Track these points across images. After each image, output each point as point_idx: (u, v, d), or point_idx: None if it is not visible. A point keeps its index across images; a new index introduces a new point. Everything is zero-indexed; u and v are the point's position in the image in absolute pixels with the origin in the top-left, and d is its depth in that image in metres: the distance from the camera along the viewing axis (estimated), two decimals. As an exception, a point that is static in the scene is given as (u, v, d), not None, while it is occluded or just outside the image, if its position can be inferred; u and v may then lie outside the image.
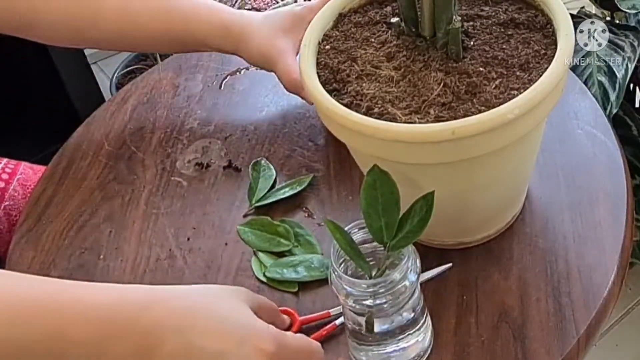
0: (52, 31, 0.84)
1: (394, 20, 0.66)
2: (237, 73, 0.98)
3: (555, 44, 0.61)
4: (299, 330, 0.67)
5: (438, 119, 0.58)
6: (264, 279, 0.73)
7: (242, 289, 0.61)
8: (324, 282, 0.71)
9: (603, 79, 1.16)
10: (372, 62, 0.64)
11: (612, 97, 1.15)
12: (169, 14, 0.83)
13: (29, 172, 0.99)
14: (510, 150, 0.61)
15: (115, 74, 1.88)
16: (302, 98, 0.83)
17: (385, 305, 0.58)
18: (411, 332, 0.62)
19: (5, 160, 0.99)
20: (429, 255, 0.70)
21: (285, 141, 0.87)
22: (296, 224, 0.76)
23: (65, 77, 1.76)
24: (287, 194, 0.80)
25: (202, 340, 0.53)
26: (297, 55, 0.79)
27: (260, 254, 0.75)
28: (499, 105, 0.56)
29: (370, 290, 0.57)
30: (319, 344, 0.61)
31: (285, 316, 0.66)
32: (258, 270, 0.73)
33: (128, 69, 1.88)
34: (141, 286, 0.57)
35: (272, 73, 0.85)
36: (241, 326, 0.55)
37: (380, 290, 0.57)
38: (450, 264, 0.70)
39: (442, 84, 0.61)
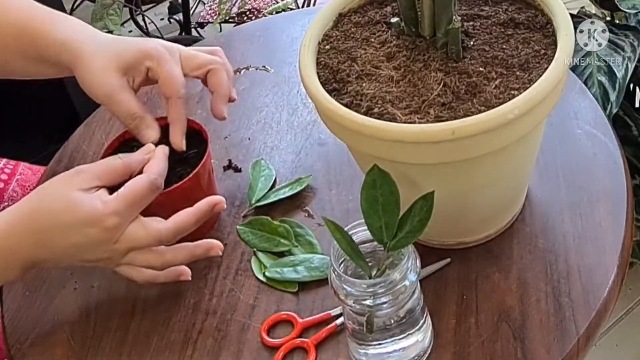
0: None
1: (394, 20, 0.66)
2: (237, 73, 0.98)
3: (555, 44, 0.61)
4: (300, 334, 0.68)
5: (438, 119, 0.58)
6: (263, 279, 0.73)
7: (73, 175, 0.67)
8: (324, 282, 0.71)
9: (603, 79, 1.16)
10: (372, 62, 0.64)
11: (612, 97, 1.15)
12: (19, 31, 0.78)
13: (28, 173, 0.99)
14: (510, 150, 0.61)
15: (115, 74, 1.87)
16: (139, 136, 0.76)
17: (385, 305, 0.58)
18: (411, 332, 0.62)
19: (4, 160, 0.99)
20: (429, 255, 0.70)
21: (286, 141, 0.87)
22: (296, 224, 0.76)
23: (66, 77, 1.76)
24: (287, 194, 0.80)
25: (60, 244, 0.65)
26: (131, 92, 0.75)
27: (260, 254, 0.75)
28: (499, 105, 0.56)
29: (370, 290, 0.57)
30: (146, 178, 0.67)
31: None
32: (258, 270, 0.73)
33: (128, 69, 1.88)
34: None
35: (270, 73, 0.85)
36: (75, 219, 0.64)
37: (380, 290, 0.57)
38: (449, 259, 0.70)
39: (442, 84, 0.61)
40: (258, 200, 0.80)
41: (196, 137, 0.77)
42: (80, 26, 0.78)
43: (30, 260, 0.66)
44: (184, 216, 0.68)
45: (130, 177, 0.68)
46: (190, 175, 0.72)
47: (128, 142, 0.77)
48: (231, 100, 0.79)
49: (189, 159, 0.75)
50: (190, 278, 0.70)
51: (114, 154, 0.74)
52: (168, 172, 0.73)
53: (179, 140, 0.74)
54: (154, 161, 0.69)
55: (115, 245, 0.65)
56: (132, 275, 0.68)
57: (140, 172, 0.68)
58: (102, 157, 0.74)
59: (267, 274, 0.73)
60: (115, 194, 0.65)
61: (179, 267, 0.70)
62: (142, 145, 0.73)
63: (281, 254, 0.74)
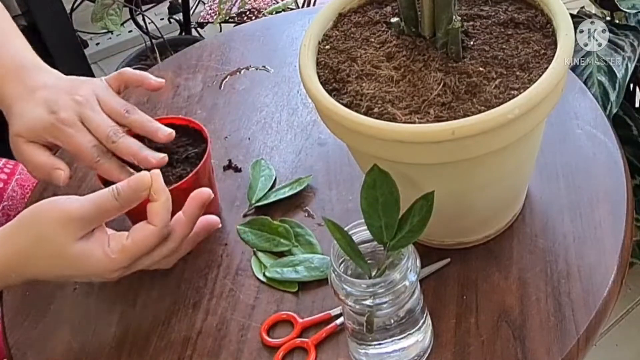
0: None
1: (394, 20, 0.66)
2: (237, 73, 0.98)
3: (555, 44, 0.61)
4: (300, 334, 0.68)
5: (438, 119, 0.58)
6: (264, 279, 0.73)
7: (65, 223, 0.62)
8: (324, 282, 0.71)
9: (603, 79, 1.16)
10: (372, 62, 0.64)
11: (612, 97, 1.15)
12: None
13: (27, 173, 0.99)
14: (510, 150, 0.61)
15: (115, 74, 1.88)
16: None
17: (385, 305, 0.58)
18: (411, 332, 0.62)
19: (3, 160, 0.99)
20: (429, 255, 0.70)
21: (286, 141, 0.87)
22: (296, 224, 0.76)
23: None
24: (287, 194, 0.80)
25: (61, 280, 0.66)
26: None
27: (260, 254, 0.75)
28: (499, 105, 0.56)
29: (370, 290, 0.57)
30: (155, 232, 0.63)
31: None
32: (258, 270, 0.73)
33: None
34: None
35: (270, 73, 0.85)
36: (79, 273, 0.63)
37: (380, 290, 0.57)
38: (449, 259, 0.70)
39: (442, 84, 0.61)
40: (258, 200, 0.80)
41: (196, 137, 0.77)
42: (18, 65, 0.77)
43: (19, 282, 0.66)
44: (180, 227, 0.65)
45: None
46: (190, 175, 0.72)
47: None
48: (160, 84, 0.78)
49: (189, 159, 0.75)
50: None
51: (114, 155, 0.74)
52: (168, 172, 0.73)
53: (162, 133, 0.73)
54: (158, 206, 0.63)
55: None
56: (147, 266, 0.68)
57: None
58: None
59: (267, 274, 0.73)
60: (120, 245, 0.62)
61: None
62: (151, 145, 0.74)
63: (281, 254, 0.74)
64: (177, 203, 0.68)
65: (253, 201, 0.80)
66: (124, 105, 0.75)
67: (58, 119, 0.73)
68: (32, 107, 0.74)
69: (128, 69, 0.79)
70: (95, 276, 0.64)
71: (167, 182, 0.70)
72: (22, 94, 0.75)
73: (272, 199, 0.80)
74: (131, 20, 1.97)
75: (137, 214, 0.65)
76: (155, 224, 0.63)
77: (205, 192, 0.65)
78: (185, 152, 0.75)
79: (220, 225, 0.69)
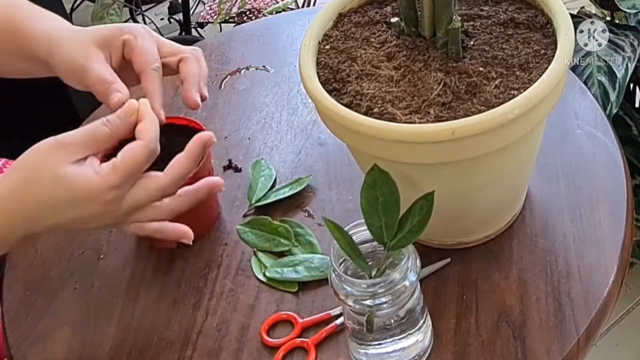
0: None
1: (394, 20, 0.66)
2: (237, 73, 0.98)
3: (555, 44, 0.61)
4: (300, 334, 0.68)
5: (438, 119, 0.58)
6: (264, 279, 0.73)
7: (57, 148, 0.63)
8: (324, 282, 0.71)
9: (603, 79, 1.16)
10: (372, 62, 0.64)
11: (612, 97, 1.15)
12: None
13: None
14: (510, 150, 0.61)
15: (115, 74, 1.88)
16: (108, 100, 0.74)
17: (385, 305, 0.58)
18: (411, 332, 0.62)
19: (4, 160, 0.99)
20: (429, 255, 0.70)
21: (286, 141, 0.87)
22: (296, 224, 0.76)
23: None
24: (287, 194, 0.80)
25: (56, 220, 0.63)
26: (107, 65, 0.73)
27: (260, 254, 0.75)
28: (499, 105, 0.56)
29: (370, 290, 0.57)
30: (143, 146, 0.63)
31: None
32: (258, 270, 0.73)
33: (128, 69, 1.88)
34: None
35: (270, 73, 0.85)
36: (71, 197, 0.62)
37: (380, 290, 0.57)
38: (449, 259, 0.70)
39: (442, 84, 0.61)
40: (258, 200, 0.80)
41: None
42: (60, 20, 0.77)
43: (24, 233, 0.64)
44: (179, 163, 0.66)
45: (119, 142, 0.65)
46: (190, 175, 0.71)
47: (128, 142, 0.77)
48: (203, 98, 0.77)
49: None
50: (191, 243, 0.67)
51: (114, 154, 0.74)
52: None
53: (158, 111, 0.71)
54: (145, 124, 0.65)
55: (117, 212, 0.64)
56: (141, 231, 0.67)
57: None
58: (101, 159, 0.74)
59: (267, 273, 0.73)
60: (111, 164, 0.62)
61: (183, 227, 0.67)
62: None
63: (281, 254, 0.74)
64: None
65: (253, 201, 0.80)
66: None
67: (128, 24, 0.73)
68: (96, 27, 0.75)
69: (194, 53, 0.77)
70: (90, 201, 0.62)
71: None
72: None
73: (272, 199, 0.80)
74: (131, 20, 1.97)
75: None
76: (142, 138, 0.63)
77: (207, 133, 0.66)
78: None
79: (223, 189, 0.68)
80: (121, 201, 0.63)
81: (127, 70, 0.74)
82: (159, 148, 0.65)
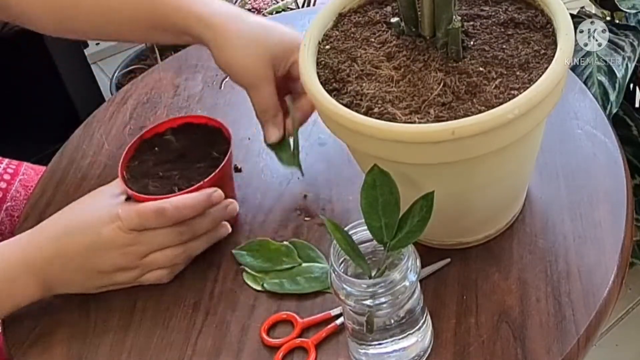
0: (39, 22, 0.84)
1: (394, 20, 0.66)
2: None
3: (555, 44, 0.61)
4: (300, 334, 0.68)
5: (438, 119, 0.58)
6: (261, 289, 0.72)
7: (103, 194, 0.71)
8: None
9: (603, 79, 1.16)
10: (372, 62, 0.64)
11: (612, 97, 1.15)
12: (149, 2, 0.81)
13: (30, 173, 0.99)
14: (510, 150, 0.61)
15: (115, 74, 1.88)
16: (264, 130, 0.79)
17: (385, 305, 0.58)
18: (411, 332, 0.62)
19: (6, 161, 0.99)
20: (429, 255, 0.70)
21: (285, 141, 0.87)
22: (300, 243, 0.74)
23: (65, 77, 1.76)
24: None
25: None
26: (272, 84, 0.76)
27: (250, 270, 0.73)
28: (499, 105, 0.56)
29: (370, 290, 0.57)
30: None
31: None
32: (253, 283, 0.72)
33: (128, 69, 1.89)
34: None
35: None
36: (91, 222, 0.68)
37: (380, 290, 0.57)
38: (449, 259, 0.70)
39: (442, 84, 0.61)
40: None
41: (216, 135, 0.76)
42: (222, 2, 0.78)
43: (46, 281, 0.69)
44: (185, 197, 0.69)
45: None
46: (217, 171, 0.71)
47: (147, 142, 0.77)
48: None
49: (211, 156, 0.74)
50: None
51: (135, 155, 0.75)
52: (191, 171, 0.73)
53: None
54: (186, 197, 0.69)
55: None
56: (161, 277, 0.71)
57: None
58: (124, 159, 0.74)
59: (266, 285, 0.71)
60: (134, 207, 0.67)
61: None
62: (163, 145, 0.75)
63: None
64: None
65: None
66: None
67: (299, 41, 0.71)
68: (265, 25, 0.76)
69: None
70: (103, 225, 0.67)
71: (192, 180, 0.71)
72: (244, 15, 0.77)
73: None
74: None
75: None
76: (173, 203, 0.68)
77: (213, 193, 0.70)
78: (206, 150, 0.75)
79: (236, 211, 0.73)
80: (141, 252, 0.69)
81: (285, 80, 0.76)
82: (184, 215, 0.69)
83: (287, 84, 0.77)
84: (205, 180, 0.70)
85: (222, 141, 0.76)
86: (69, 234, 0.68)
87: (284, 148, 0.79)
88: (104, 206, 0.69)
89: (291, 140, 0.79)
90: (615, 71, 1.16)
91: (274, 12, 1.70)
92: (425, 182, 0.61)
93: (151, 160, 0.75)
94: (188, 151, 0.75)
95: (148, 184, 0.72)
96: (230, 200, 0.72)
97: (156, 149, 0.75)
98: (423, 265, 0.62)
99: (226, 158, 0.72)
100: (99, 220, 0.68)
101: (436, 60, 0.63)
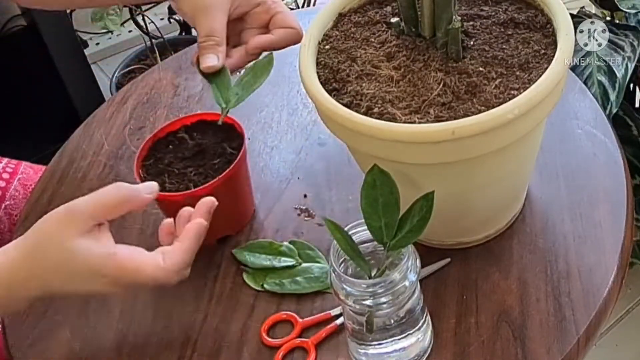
0: None
1: (394, 20, 0.66)
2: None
3: (555, 44, 0.61)
4: (300, 334, 0.68)
5: (438, 119, 0.58)
6: (261, 289, 0.72)
7: (67, 218, 0.63)
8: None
9: (603, 79, 1.16)
10: (372, 62, 0.64)
11: (612, 97, 1.15)
12: None
13: (29, 172, 0.99)
14: (510, 150, 0.61)
15: (115, 74, 1.88)
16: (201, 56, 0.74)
17: (385, 305, 0.58)
18: (411, 332, 0.62)
19: (5, 160, 0.99)
20: (429, 255, 0.70)
21: (286, 141, 0.87)
22: (299, 243, 0.74)
23: (65, 77, 1.76)
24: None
25: (69, 288, 0.62)
26: (225, 15, 0.72)
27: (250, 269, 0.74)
28: (499, 105, 0.56)
29: (370, 290, 0.57)
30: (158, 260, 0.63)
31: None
32: (253, 283, 0.72)
33: (128, 69, 1.89)
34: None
35: (271, 73, 0.84)
36: (80, 271, 0.61)
37: (380, 290, 0.57)
38: (449, 259, 0.70)
39: (442, 84, 0.61)
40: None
41: (230, 131, 0.76)
42: None
43: (37, 297, 0.64)
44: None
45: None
46: (232, 167, 0.71)
47: (161, 140, 0.77)
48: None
49: (226, 152, 0.74)
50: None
51: (149, 154, 0.75)
52: (207, 167, 0.73)
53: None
54: (191, 242, 0.65)
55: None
56: (185, 276, 0.66)
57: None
58: (139, 157, 0.74)
59: (266, 286, 0.72)
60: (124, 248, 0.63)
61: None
62: (177, 143, 0.74)
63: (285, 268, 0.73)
64: (218, 195, 0.67)
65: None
66: None
67: None
68: None
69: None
70: (94, 276, 0.61)
71: (208, 176, 0.71)
72: None
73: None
74: (131, 20, 1.97)
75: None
76: (181, 246, 0.64)
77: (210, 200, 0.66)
78: (221, 146, 0.75)
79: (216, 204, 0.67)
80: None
81: (242, 24, 0.73)
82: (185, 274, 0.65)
83: (238, 29, 0.74)
84: (220, 176, 0.70)
85: (235, 137, 0.75)
86: (54, 276, 0.62)
87: (221, 83, 0.76)
88: (84, 256, 0.62)
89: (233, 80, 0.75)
90: (615, 71, 1.15)
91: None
92: (425, 182, 0.61)
93: (166, 158, 0.75)
94: (203, 148, 0.75)
95: (165, 182, 0.72)
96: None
97: (170, 146, 0.75)
98: (423, 265, 0.62)
99: (240, 153, 0.72)
100: (89, 272, 0.62)
101: (436, 60, 0.63)
